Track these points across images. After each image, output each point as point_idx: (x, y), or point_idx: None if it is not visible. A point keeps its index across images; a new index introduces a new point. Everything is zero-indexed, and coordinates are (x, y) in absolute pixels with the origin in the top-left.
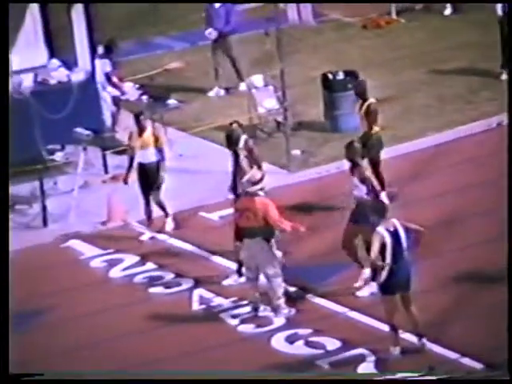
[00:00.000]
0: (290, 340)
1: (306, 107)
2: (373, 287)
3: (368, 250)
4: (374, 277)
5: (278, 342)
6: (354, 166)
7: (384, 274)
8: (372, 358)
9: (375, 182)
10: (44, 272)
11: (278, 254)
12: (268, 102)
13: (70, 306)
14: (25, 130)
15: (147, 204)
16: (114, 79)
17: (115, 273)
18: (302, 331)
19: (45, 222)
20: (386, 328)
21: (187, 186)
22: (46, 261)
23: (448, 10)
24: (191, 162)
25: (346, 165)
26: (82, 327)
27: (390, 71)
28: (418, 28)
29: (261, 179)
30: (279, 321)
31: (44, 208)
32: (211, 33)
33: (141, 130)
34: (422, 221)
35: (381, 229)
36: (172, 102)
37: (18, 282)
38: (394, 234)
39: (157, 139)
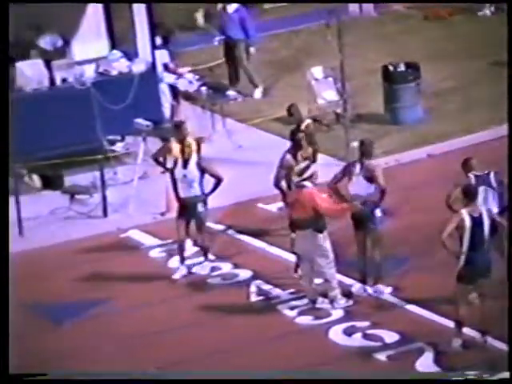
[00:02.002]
0: (348, 332)
1: (366, 99)
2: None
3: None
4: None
5: (336, 334)
6: (362, 165)
7: (461, 260)
8: (431, 352)
9: (382, 183)
10: (103, 262)
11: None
12: (327, 94)
13: (128, 295)
14: (86, 121)
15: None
16: (173, 69)
17: (174, 263)
18: (359, 323)
19: (105, 212)
20: (445, 322)
21: (246, 177)
22: (105, 250)
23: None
24: (250, 154)
25: (405, 158)
26: (139, 317)
27: (452, 63)
28: (481, 19)
29: (306, 169)
30: (337, 313)
31: (104, 198)
32: (219, 41)
33: (182, 138)
34: None
35: (464, 211)
36: (231, 93)
37: (79, 271)
38: (477, 220)
39: (198, 146)
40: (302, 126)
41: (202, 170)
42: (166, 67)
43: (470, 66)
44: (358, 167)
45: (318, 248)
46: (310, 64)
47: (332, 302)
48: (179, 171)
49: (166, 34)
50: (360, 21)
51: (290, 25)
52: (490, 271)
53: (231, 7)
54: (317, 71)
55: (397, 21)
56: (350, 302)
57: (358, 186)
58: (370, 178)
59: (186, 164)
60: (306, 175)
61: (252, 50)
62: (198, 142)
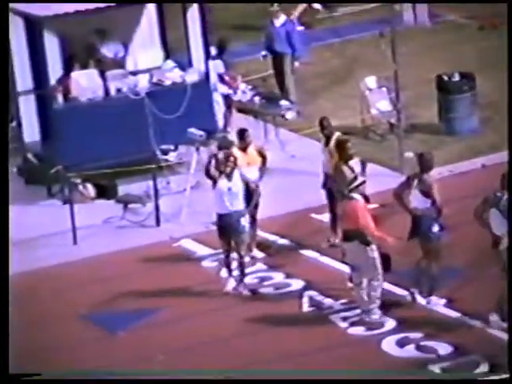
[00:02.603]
0: (401, 343)
1: (420, 109)
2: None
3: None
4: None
5: (389, 345)
6: (420, 179)
7: None
8: (486, 365)
9: (438, 198)
10: (156, 271)
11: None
12: (381, 104)
13: (180, 305)
14: (140, 130)
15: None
16: (227, 79)
17: (226, 273)
18: (412, 335)
19: (157, 222)
20: (500, 334)
21: (298, 187)
22: (158, 260)
23: None
24: (303, 163)
25: (459, 168)
26: (191, 327)
27: (507, 73)
28: None
29: (354, 179)
30: (390, 324)
31: (157, 207)
32: (265, 55)
33: (245, 147)
34: None
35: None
36: (284, 103)
37: (130, 281)
38: None
39: (262, 155)
40: (332, 139)
41: (246, 183)
42: (221, 78)
43: None
44: (416, 181)
45: (365, 260)
46: (362, 74)
47: (368, 313)
48: (224, 184)
49: (221, 44)
50: (414, 30)
51: (343, 34)
52: None
53: (278, 21)
54: (370, 81)
55: (451, 30)
56: (385, 320)
57: (415, 199)
58: (427, 193)
59: (230, 176)
60: (354, 185)
61: (296, 64)
62: (261, 152)
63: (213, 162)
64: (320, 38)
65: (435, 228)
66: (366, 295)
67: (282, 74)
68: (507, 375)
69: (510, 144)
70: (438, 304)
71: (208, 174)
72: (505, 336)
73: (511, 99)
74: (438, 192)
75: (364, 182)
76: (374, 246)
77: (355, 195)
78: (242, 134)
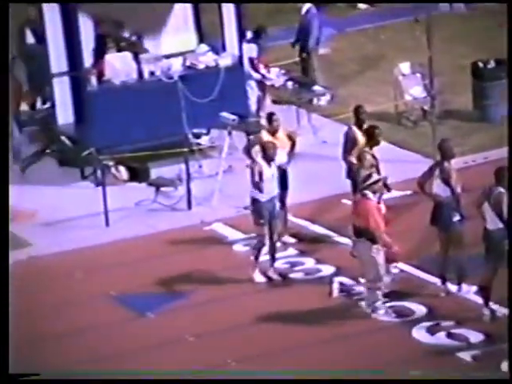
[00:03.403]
0: (432, 331)
1: (454, 96)
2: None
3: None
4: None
5: (419, 333)
6: (441, 167)
7: None
8: None
9: (456, 187)
10: (187, 254)
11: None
12: (415, 90)
13: (211, 288)
14: (172, 114)
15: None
16: (258, 64)
17: (256, 258)
18: (443, 322)
19: (189, 205)
20: None
21: (330, 172)
22: (189, 243)
23: None
24: (335, 149)
25: (493, 155)
26: (221, 310)
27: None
28: None
29: (368, 177)
30: (420, 311)
31: (189, 191)
32: (293, 43)
33: (274, 131)
34: None
35: None
36: (317, 88)
37: (162, 264)
38: None
39: (291, 139)
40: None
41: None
42: (251, 62)
43: None
44: (438, 169)
45: (367, 258)
46: (397, 60)
47: (373, 311)
48: (267, 170)
49: (258, 29)
50: (450, 16)
51: (378, 20)
52: None
53: (304, 8)
54: (404, 67)
55: (488, 16)
56: (392, 315)
57: (437, 187)
58: (447, 181)
59: (271, 162)
60: (368, 183)
61: (322, 50)
62: (291, 136)
63: (256, 146)
64: (355, 24)
65: (456, 217)
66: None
67: (304, 62)
68: (507, 375)
69: (510, 141)
70: (469, 291)
71: (249, 154)
72: None
73: (511, 97)
74: (460, 180)
75: (379, 181)
76: (379, 246)
77: (369, 193)
78: (270, 117)
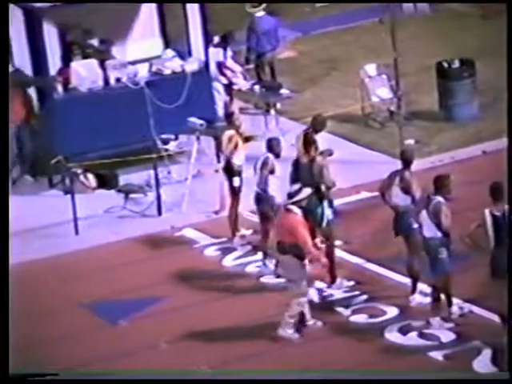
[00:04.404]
0: (403, 331)
1: (420, 96)
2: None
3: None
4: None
5: (391, 333)
6: (401, 176)
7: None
8: (488, 352)
9: (419, 194)
10: (158, 260)
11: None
12: (381, 91)
13: (182, 293)
14: (140, 120)
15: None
16: (225, 69)
17: (228, 262)
18: (415, 323)
19: (159, 211)
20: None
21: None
22: (160, 249)
23: None
24: None
25: (460, 155)
26: (193, 315)
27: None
28: None
29: (298, 192)
30: (392, 312)
31: (158, 197)
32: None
33: (237, 129)
34: None
35: (486, 212)
36: (284, 91)
37: (132, 270)
38: (498, 219)
39: (246, 139)
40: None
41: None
42: (218, 66)
43: None
44: (397, 178)
45: (297, 274)
46: (362, 61)
47: (284, 325)
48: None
49: (225, 34)
50: (415, 18)
51: (343, 22)
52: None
53: (256, 14)
54: (370, 68)
55: (452, 18)
56: (296, 336)
57: (396, 196)
58: (407, 190)
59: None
60: (296, 198)
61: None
62: (246, 138)
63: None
64: (320, 26)
65: (415, 225)
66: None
67: (259, 68)
68: (507, 375)
69: (510, 134)
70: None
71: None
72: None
73: (511, 91)
74: (421, 186)
75: (304, 199)
76: (307, 262)
77: (294, 208)
78: (230, 116)
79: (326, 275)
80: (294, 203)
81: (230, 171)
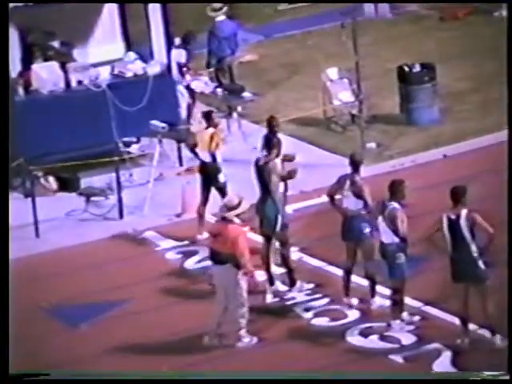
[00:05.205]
0: (365, 334)
1: (382, 100)
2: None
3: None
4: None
5: (352, 336)
6: (351, 180)
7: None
8: (448, 354)
9: (369, 199)
10: (120, 263)
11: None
12: (343, 95)
13: (144, 296)
14: (101, 123)
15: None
16: (186, 71)
17: (190, 264)
18: (376, 325)
19: (121, 214)
20: (457, 322)
21: None
22: (121, 252)
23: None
24: None
25: (420, 158)
26: (155, 319)
27: (468, 63)
28: (496, 19)
29: (238, 205)
30: (353, 314)
31: (120, 200)
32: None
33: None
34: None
35: (443, 215)
36: (246, 94)
37: (94, 274)
38: (454, 223)
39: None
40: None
41: None
42: (179, 67)
43: (485, 66)
44: (348, 182)
45: (232, 285)
46: (324, 65)
47: (236, 340)
48: None
49: (186, 35)
50: (375, 22)
51: (305, 26)
52: (479, 276)
53: (217, 19)
54: (332, 72)
55: (412, 22)
56: (254, 340)
57: (347, 200)
58: (358, 195)
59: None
60: (237, 211)
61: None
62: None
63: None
64: (282, 29)
65: (367, 229)
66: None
67: (220, 71)
68: (507, 376)
69: (510, 131)
70: (375, 303)
71: None
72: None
73: (511, 91)
74: (370, 193)
75: (246, 212)
76: (243, 272)
77: (236, 219)
78: (209, 115)
79: (260, 286)
80: (232, 215)
81: (213, 169)
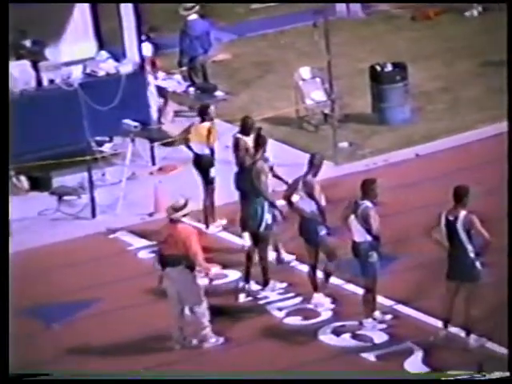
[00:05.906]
0: (337, 332)
1: (354, 99)
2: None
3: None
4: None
5: (325, 335)
6: (305, 179)
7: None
8: (420, 353)
9: (321, 200)
10: (92, 263)
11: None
12: (315, 94)
13: (116, 296)
14: (73, 122)
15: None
16: (149, 64)
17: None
18: (349, 324)
19: (93, 213)
20: (434, 322)
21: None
22: (94, 252)
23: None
24: None
25: (393, 158)
26: (128, 318)
27: (440, 63)
28: (468, 19)
29: (185, 206)
30: (326, 313)
31: (92, 199)
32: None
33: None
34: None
35: (443, 213)
36: (219, 93)
37: (67, 273)
38: (451, 223)
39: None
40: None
41: None
42: (153, 64)
43: (457, 66)
44: (301, 183)
45: (188, 286)
46: (297, 64)
47: (202, 341)
48: None
49: (150, 29)
50: (347, 21)
51: (278, 25)
52: (470, 276)
53: (189, 18)
54: (304, 72)
55: (384, 21)
56: (221, 341)
57: (301, 201)
58: (311, 195)
59: None
60: (184, 212)
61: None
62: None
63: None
64: (255, 29)
65: (322, 231)
66: (179, 326)
67: (193, 70)
68: (507, 374)
69: (510, 132)
70: (322, 304)
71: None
72: (437, 323)
73: (511, 97)
74: (322, 194)
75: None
76: (197, 271)
77: (184, 219)
78: (205, 108)
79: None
80: (183, 215)
81: (207, 162)
